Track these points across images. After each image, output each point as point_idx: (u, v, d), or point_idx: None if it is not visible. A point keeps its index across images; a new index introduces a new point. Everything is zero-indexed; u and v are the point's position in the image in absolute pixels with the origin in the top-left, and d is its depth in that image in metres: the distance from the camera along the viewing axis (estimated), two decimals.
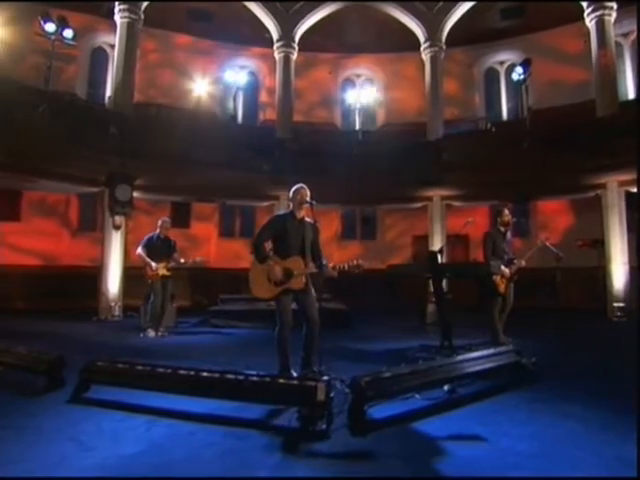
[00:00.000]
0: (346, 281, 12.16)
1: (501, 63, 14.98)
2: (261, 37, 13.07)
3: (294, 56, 12.66)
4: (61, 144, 8.93)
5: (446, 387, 3.77)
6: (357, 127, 15.39)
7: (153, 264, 7.43)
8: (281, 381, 3.35)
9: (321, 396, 3.00)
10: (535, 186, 11.21)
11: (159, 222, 7.82)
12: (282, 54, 12.50)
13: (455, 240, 11.83)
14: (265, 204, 12.79)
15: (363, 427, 3.02)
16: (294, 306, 4.22)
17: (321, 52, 14.87)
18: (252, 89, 15.38)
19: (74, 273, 11.83)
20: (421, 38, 12.54)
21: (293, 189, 4.33)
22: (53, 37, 9.34)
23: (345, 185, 11.45)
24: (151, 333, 7.50)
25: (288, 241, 4.17)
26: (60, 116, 9.11)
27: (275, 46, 12.62)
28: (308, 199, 4.28)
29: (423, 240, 12.92)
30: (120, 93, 10.52)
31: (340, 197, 12.67)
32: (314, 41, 13.76)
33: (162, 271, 7.54)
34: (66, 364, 4.05)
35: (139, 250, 7.71)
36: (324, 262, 4.26)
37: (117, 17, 10.69)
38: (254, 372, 3.40)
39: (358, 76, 15.84)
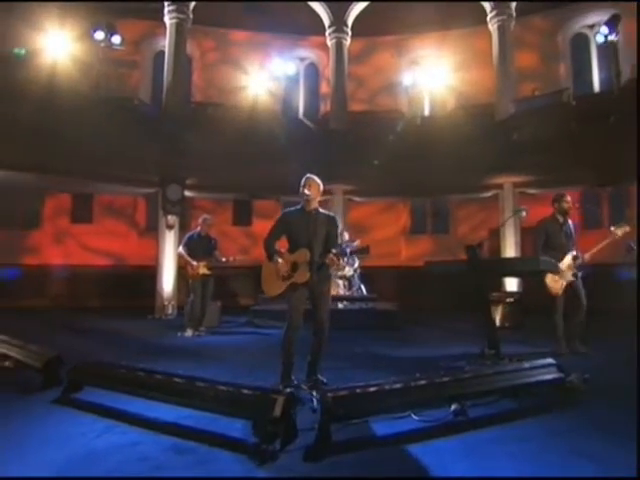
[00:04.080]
0: (410, 279, 11.51)
1: (591, 27, 12.96)
2: (319, 25, 12.57)
3: (347, 42, 12.01)
4: (116, 147, 9.22)
5: (453, 407, 3.13)
6: (425, 113, 14.40)
7: (194, 262, 7.33)
8: (230, 390, 2.95)
9: (277, 411, 2.60)
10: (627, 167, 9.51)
11: (200, 220, 7.74)
12: (334, 40, 11.91)
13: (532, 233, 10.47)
14: (320, 199, 12.30)
15: (320, 451, 2.57)
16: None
17: (381, 35, 14.01)
18: (313, 80, 14.97)
19: (140, 272, 12.26)
20: (487, 7, 11.22)
21: (302, 180, 4.04)
22: (106, 44, 9.65)
23: (402, 175, 10.61)
24: (188, 332, 7.43)
25: (296, 235, 3.96)
26: (113, 119, 9.40)
27: (327, 32, 12.07)
28: (306, 191, 3.96)
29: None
30: (172, 94, 10.64)
31: (400, 189, 11.83)
32: (373, 24, 12.97)
33: (202, 270, 7.43)
34: (63, 363, 4.02)
35: (180, 249, 7.74)
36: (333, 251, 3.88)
37: (166, 18, 10.81)
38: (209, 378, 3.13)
39: (424, 57, 14.65)
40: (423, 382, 3.15)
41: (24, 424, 3.07)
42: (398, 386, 3.03)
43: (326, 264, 3.84)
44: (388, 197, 13.45)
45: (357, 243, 9.56)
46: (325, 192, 12.24)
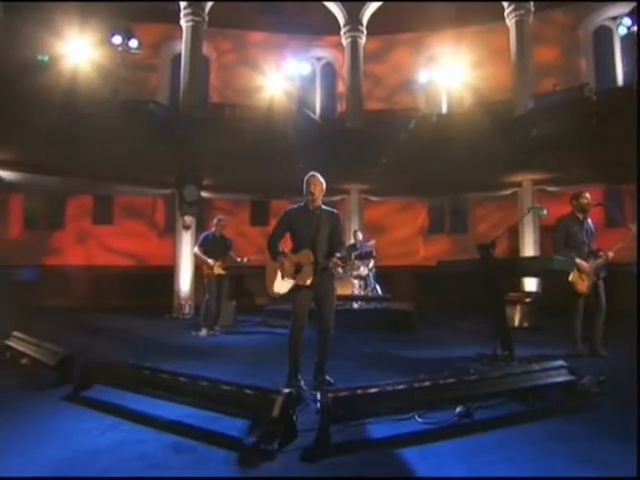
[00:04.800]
0: (427, 279, 11.38)
1: (614, 19, 12.62)
2: (335, 25, 12.52)
3: (362, 40, 11.95)
4: (134, 149, 9.38)
5: (458, 409, 3.10)
6: (443, 110, 14.24)
7: (210, 261, 7.42)
8: (232, 389, 2.98)
9: (276, 411, 2.63)
10: None
11: (214, 220, 7.86)
12: (349, 39, 11.86)
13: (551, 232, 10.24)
14: (336, 198, 12.29)
15: (318, 451, 2.56)
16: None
17: (398, 33, 13.91)
18: (329, 80, 14.95)
19: (160, 272, 12.41)
20: (504, 3, 11.01)
21: (305, 178, 4.02)
22: (123, 48, 9.83)
23: (419, 174, 10.51)
24: (203, 332, 7.52)
25: (299, 235, 3.96)
26: (131, 122, 9.56)
27: (342, 31, 12.03)
28: (312, 189, 3.94)
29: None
30: (188, 95, 10.76)
31: (417, 188, 11.72)
32: (389, 22, 12.87)
33: (218, 270, 7.52)
34: (75, 361, 4.13)
35: (195, 249, 7.87)
36: (339, 254, 3.88)
37: (182, 21, 10.94)
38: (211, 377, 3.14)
39: (441, 54, 14.51)
40: (427, 384, 3.11)
41: (32, 419, 3.15)
42: (401, 387, 3.00)
43: (330, 267, 3.82)
44: (405, 196, 13.34)
45: (372, 243, 9.52)
46: (341, 191, 12.28)
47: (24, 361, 4.69)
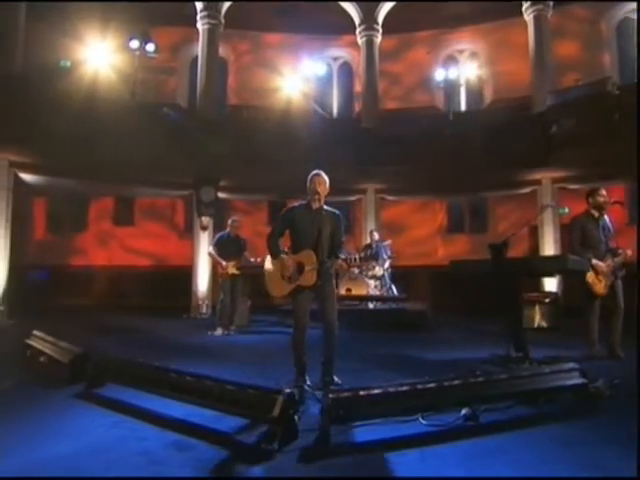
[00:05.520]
0: (445, 279, 11.25)
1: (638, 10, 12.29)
2: (351, 24, 12.49)
3: (378, 39, 11.91)
4: (152, 151, 9.52)
5: (463, 411, 3.04)
6: (462, 107, 14.08)
7: (223, 262, 7.51)
8: (235, 389, 2.99)
9: (276, 411, 2.63)
10: None
11: (229, 221, 7.95)
12: (365, 38, 11.84)
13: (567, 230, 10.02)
14: (352, 198, 12.26)
15: (317, 452, 2.57)
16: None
17: (416, 31, 13.81)
18: (347, 80, 14.94)
19: (179, 272, 12.57)
20: None
21: (309, 176, 3.97)
22: (141, 52, 10.01)
23: (436, 173, 10.40)
24: (218, 331, 7.60)
25: (300, 234, 3.90)
26: (149, 125, 9.74)
27: (357, 31, 12.01)
28: (318, 189, 3.89)
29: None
30: (204, 97, 10.90)
31: (435, 187, 11.59)
32: (407, 20, 12.80)
33: (232, 270, 7.60)
34: (89, 359, 4.17)
35: (210, 249, 7.98)
36: (342, 256, 3.89)
37: (199, 24, 11.08)
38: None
39: (461, 52, 14.36)
40: (431, 385, 3.06)
41: (43, 416, 3.24)
42: (404, 389, 2.97)
43: (331, 267, 3.80)
44: (423, 195, 13.22)
45: (388, 243, 9.47)
46: (357, 191, 12.24)
47: (42, 359, 4.82)
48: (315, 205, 3.90)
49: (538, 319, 7.87)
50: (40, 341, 5.08)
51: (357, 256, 3.90)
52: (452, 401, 3.08)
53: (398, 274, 9.84)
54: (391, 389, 2.95)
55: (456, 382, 3.16)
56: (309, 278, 3.78)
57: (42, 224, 13.27)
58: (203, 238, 10.66)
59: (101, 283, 12.74)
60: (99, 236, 13.40)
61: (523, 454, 2.56)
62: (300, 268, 3.81)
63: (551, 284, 9.65)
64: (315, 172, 3.97)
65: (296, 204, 4.06)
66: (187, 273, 11.41)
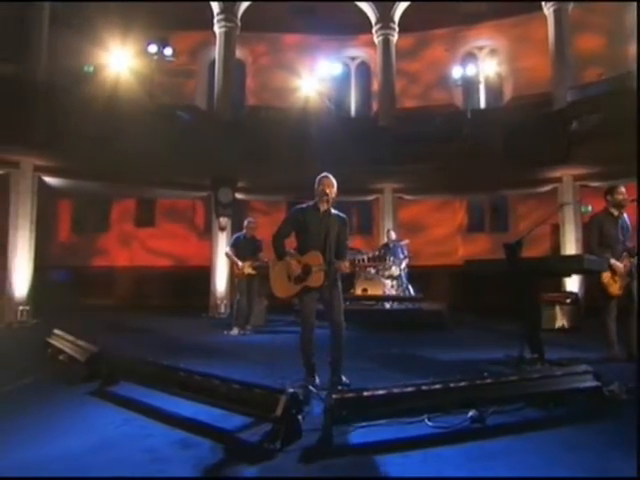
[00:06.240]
0: (465, 279, 11.11)
1: None
2: (368, 23, 12.44)
3: (395, 38, 11.85)
4: (172, 153, 9.69)
5: (470, 413, 3.01)
6: (481, 105, 13.90)
7: (239, 263, 7.60)
8: (241, 388, 3.03)
9: (279, 411, 2.66)
10: None
11: (245, 222, 8.05)
12: (381, 37, 11.78)
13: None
14: (369, 198, 12.22)
15: (318, 452, 2.58)
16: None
17: (434, 28, 13.68)
18: (365, 79, 14.90)
19: (199, 272, 12.74)
20: None
21: (317, 178, 4.00)
22: (159, 57, 10.19)
23: (455, 171, 10.30)
24: (235, 331, 7.70)
25: (308, 235, 3.91)
26: (168, 127, 9.91)
27: (373, 30, 11.96)
28: (327, 191, 3.91)
29: None
30: (222, 99, 11.01)
31: (453, 185, 11.47)
32: (424, 18, 12.71)
33: (248, 270, 7.69)
34: (104, 358, 4.27)
35: (227, 249, 8.09)
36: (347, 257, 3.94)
37: (215, 27, 11.21)
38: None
39: (480, 49, 14.15)
40: (437, 386, 3.03)
41: (57, 412, 3.34)
42: (409, 390, 2.96)
43: (337, 268, 3.80)
44: (442, 194, 13.09)
45: (405, 242, 9.42)
46: (374, 191, 12.18)
47: (61, 357, 4.97)
48: (323, 207, 3.93)
49: (557, 320, 7.74)
50: (60, 340, 5.24)
51: (365, 256, 3.89)
52: (458, 403, 3.04)
53: (416, 274, 9.77)
54: (396, 390, 2.94)
55: (462, 383, 3.13)
56: (317, 279, 3.81)
57: (66, 226, 13.61)
58: (221, 239, 10.79)
59: (123, 283, 12.99)
60: (121, 237, 13.66)
61: (527, 457, 2.52)
62: (307, 269, 3.82)
63: (573, 284, 9.45)
64: (324, 174, 4.02)
65: (303, 205, 4.06)
66: (206, 273, 11.57)
